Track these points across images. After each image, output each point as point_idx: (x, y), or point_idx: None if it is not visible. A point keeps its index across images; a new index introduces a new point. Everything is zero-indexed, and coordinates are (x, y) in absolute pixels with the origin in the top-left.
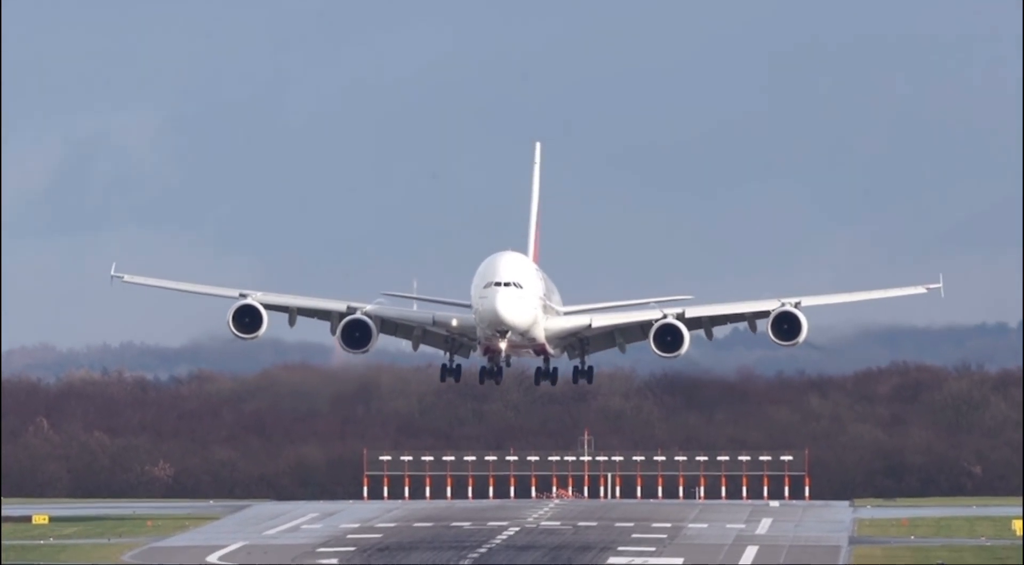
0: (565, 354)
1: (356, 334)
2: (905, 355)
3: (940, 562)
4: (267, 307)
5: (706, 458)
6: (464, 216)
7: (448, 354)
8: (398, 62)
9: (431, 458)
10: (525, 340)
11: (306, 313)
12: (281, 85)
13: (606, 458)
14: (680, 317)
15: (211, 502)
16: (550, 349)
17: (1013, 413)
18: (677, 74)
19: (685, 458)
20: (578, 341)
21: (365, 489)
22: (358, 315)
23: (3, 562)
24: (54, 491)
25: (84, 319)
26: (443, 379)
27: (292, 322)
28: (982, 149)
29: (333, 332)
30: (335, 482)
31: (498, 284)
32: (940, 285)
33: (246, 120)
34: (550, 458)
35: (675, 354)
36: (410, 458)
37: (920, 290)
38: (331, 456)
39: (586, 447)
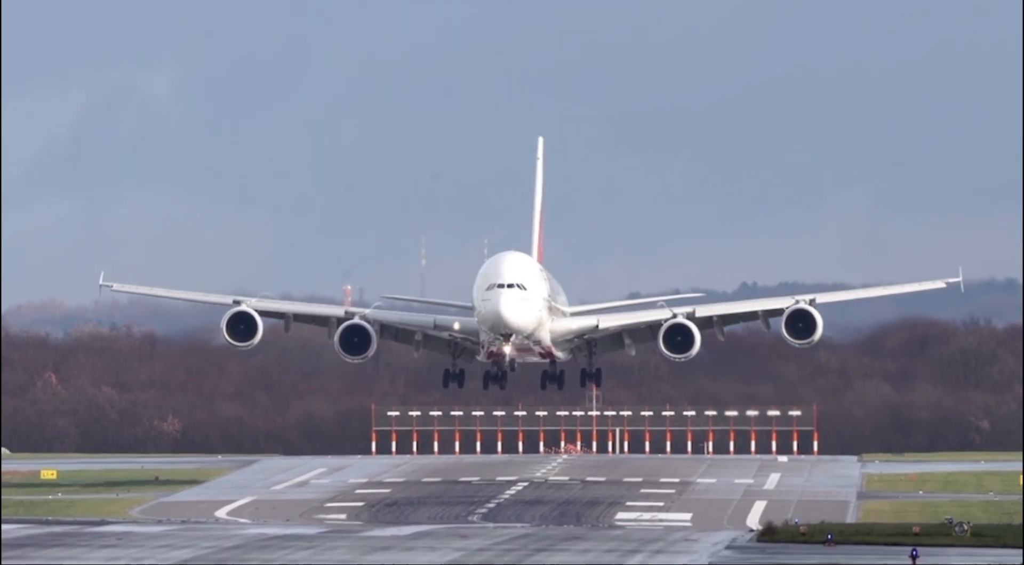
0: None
1: (355, 340)
2: (913, 309)
3: (948, 517)
4: (262, 314)
5: (714, 413)
6: (466, 215)
7: (451, 358)
8: (402, 45)
9: (439, 413)
10: (530, 343)
11: (302, 319)
12: (302, 47)
13: (614, 413)
14: (690, 316)
15: (219, 457)
16: (556, 352)
17: (1020, 368)
18: (680, 53)
19: (693, 413)
20: (585, 343)
21: (373, 444)
22: (356, 320)
23: (10, 517)
24: (62, 446)
25: (93, 274)
26: (446, 384)
27: (287, 328)
28: (989, 105)
29: (331, 337)
30: (343, 437)
31: (501, 286)
32: (959, 279)
33: (266, 79)
34: (558, 413)
35: (686, 355)
36: (418, 413)
37: (940, 285)
38: (339, 411)
39: (594, 402)
